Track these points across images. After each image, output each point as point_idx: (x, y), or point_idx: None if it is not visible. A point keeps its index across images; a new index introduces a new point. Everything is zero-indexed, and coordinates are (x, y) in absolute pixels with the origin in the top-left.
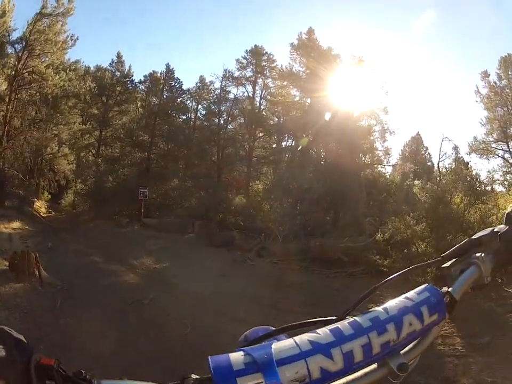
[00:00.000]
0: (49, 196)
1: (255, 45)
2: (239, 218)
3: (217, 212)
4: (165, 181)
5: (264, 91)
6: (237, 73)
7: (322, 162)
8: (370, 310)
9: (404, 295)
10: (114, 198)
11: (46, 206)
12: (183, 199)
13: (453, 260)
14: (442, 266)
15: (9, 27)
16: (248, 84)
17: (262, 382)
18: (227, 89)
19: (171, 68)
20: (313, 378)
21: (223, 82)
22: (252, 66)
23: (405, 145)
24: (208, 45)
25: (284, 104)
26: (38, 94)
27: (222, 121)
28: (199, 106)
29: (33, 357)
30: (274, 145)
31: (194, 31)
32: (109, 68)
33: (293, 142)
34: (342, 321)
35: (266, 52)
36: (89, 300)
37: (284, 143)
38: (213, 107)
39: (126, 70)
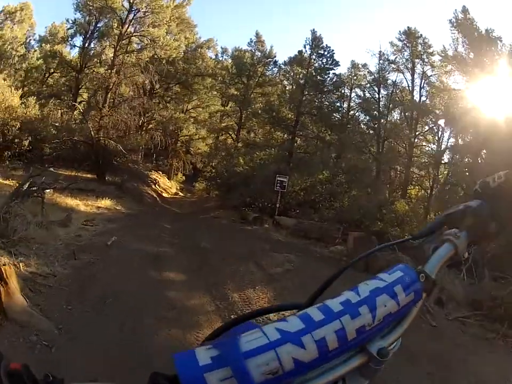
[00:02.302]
0: (183, 178)
1: (408, 27)
2: (398, 231)
3: (375, 220)
4: (310, 171)
5: (423, 80)
6: (391, 57)
7: None
8: (340, 293)
9: (374, 276)
10: (245, 186)
11: (178, 187)
12: (333, 197)
13: (424, 238)
14: (413, 243)
15: None
16: (405, 71)
17: (231, 377)
18: (384, 74)
19: (318, 34)
20: (286, 369)
21: (380, 64)
22: (408, 50)
23: None
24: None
25: (450, 94)
26: (149, 58)
27: (381, 109)
28: (352, 93)
29: (2, 363)
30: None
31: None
32: (248, 47)
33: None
34: (310, 307)
35: (421, 35)
36: None
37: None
38: (369, 93)
39: (267, 50)
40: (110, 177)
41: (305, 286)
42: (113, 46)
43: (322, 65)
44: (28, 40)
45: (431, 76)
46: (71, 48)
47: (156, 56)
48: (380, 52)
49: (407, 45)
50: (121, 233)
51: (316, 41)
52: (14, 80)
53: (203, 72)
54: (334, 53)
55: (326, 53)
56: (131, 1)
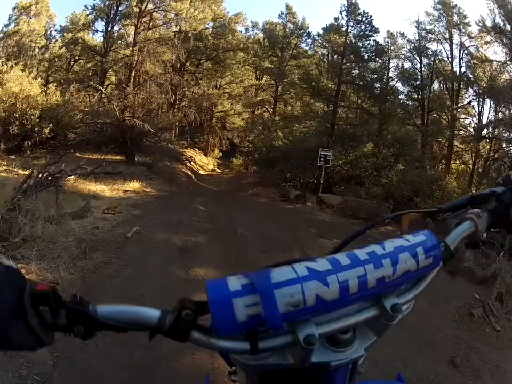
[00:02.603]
0: (220, 153)
1: None
2: None
3: (426, 196)
4: (354, 144)
5: (462, 50)
6: (428, 27)
7: None
8: (368, 245)
9: (400, 236)
10: (285, 161)
11: (216, 163)
12: (379, 171)
13: (449, 213)
14: (438, 217)
15: None
16: (443, 41)
17: (258, 304)
18: (424, 43)
19: (353, 0)
20: (308, 304)
21: (419, 33)
22: (444, 20)
23: None
24: None
25: (492, 65)
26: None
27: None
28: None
29: (29, 283)
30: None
31: None
32: (278, 19)
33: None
34: (339, 252)
35: (456, 5)
36: None
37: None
38: (410, 62)
39: (300, 22)
40: (139, 158)
41: None
42: (134, 23)
43: (360, 32)
44: (49, 32)
45: (469, 46)
46: (93, 34)
47: (181, 30)
48: (418, 20)
49: (443, 14)
50: (146, 220)
51: (351, 7)
52: (37, 71)
53: (234, 47)
54: (372, 19)
55: (363, 19)
56: None
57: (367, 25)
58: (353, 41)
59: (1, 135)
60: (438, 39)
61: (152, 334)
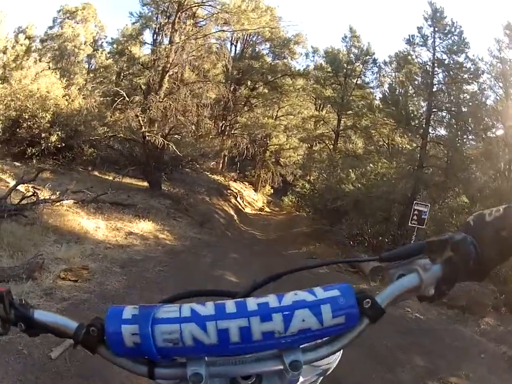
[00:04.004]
0: (271, 190)
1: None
2: None
3: None
4: (444, 195)
5: None
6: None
7: None
8: (266, 295)
9: (309, 289)
10: (354, 211)
11: (265, 201)
12: None
13: (395, 262)
14: (379, 265)
15: None
16: None
17: (137, 334)
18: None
19: (437, 7)
20: (186, 344)
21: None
22: None
23: None
24: None
25: None
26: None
27: None
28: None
29: None
30: None
31: None
32: (342, 43)
33: None
34: (232, 299)
35: None
36: None
37: None
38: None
39: (365, 47)
40: (169, 188)
41: None
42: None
43: (449, 46)
44: (100, 43)
45: None
46: (141, 46)
47: (228, 31)
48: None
49: None
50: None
51: (436, 15)
52: (77, 78)
53: (293, 71)
54: (462, 30)
55: (453, 29)
56: None
57: (456, 37)
58: (441, 56)
59: (9, 137)
60: None
61: (75, 342)
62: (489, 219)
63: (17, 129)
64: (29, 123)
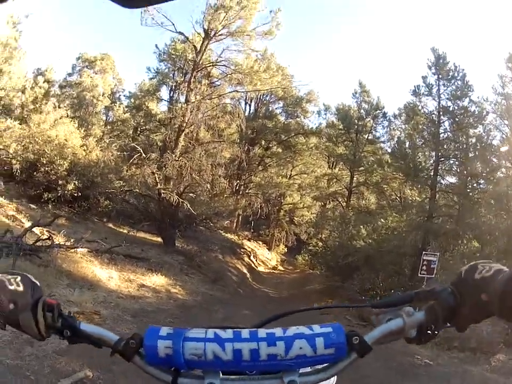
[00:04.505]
0: (286, 249)
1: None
2: None
3: None
4: (455, 243)
5: None
6: None
7: None
8: (275, 328)
9: (309, 325)
10: (365, 266)
11: (279, 259)
12: None
13: (387, 309)
14: (373, 312)
15: None
16: None
17: (170, 347)
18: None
19: (440, 53)
20: (208, 359)
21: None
22: None
23: None
24: None
25: None
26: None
27: None
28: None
29: (43, 297)
30: None
31: None
32: (352, 99)
33: None
34: (247, 328)
35: None
36: None
37: None
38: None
39: (375, 101)
40: (183, 245)
41: None
42: (187, 81)
43: (453, 92)
44: (117, 96)
45: None
46: (158, 103)
47: (242, 91)
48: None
49: None
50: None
51: (439, 62)
52: (94, 129)
53: (306, 130)
54: (465, 74)
55: (456, 74)
56: (209, 26)
57: (459, 81)
58: (446, 103)
59: (26, 179)
60: None
61: (113, 351)
62: (478, 277)
63: (35, 173)
64: (46, 168)
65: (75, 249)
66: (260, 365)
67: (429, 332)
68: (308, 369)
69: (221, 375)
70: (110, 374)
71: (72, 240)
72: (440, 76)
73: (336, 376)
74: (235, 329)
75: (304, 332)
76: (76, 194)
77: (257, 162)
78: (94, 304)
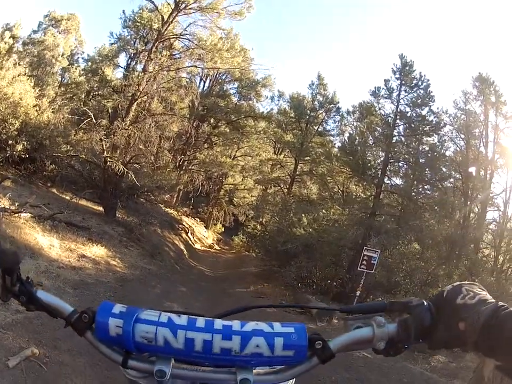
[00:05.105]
0: (222, 229)
1: (480, 73)
2: None
3: None
4: (395, 242)
5: (496, 134)
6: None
7: None
8: (233, 320)
9: (270, 322)
10: (304, 254)
11: (215, 238)
12: (430, 285)
13: (357, 315)
14: (340, 316)
15: None
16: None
17: (120, 327)
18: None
19: (408, 60)
20: (158, 344)
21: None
22: (480, 100)
23: None
24: None
25: None
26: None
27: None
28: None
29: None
30: None
31: None
32: (308, 90)
33: None
34: (204, 317)
35: (493, 82)
36: None
37: None
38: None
39: (330, 95)
40: (123, 216)
41: None
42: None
43: (413, 99)
44: (76, 58)
45: (504, 128)
46: (114, 69)
47: (201, 67)
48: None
49: (480, 94)
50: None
51: (405, 69)
52: (48, 90)
53: (257, 114)
54: (429, 84)
55: (419, 83)
56: None
57: (422, 91)
58: (405, 109)
59: None
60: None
61: (66, 323)
62: (460, 302)
63: None
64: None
65: (19, 213)
66: (212, 357)
67: (399, 345)
68: (265, 368)
69: (173, 362)
70: (56, 351)
71: (16, 204)
72: (403, 82)
73: (294, 379)
74: (190, 316)
75: (264, 329)
76: (23, 156)
77: (203, 140)
78: (37, 274)
